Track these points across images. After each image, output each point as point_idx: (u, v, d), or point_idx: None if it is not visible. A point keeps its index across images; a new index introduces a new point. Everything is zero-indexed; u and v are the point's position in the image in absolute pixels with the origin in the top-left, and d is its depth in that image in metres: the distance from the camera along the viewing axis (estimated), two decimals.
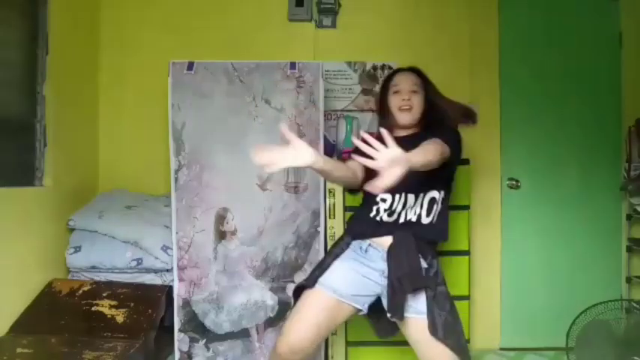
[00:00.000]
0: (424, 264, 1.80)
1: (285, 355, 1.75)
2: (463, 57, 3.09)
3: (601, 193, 3.08)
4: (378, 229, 1.84)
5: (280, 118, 2.45)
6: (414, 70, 2.00)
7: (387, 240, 1.81)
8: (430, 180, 1.80)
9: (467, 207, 2.52)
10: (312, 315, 1.77)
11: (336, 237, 2.39)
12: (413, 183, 1.69)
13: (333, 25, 3.08)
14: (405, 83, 1.94)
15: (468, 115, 1.98)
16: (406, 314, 1.76)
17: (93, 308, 2.32)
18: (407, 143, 1.59)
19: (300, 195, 2.48)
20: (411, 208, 1.84)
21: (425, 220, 1.85)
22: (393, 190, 1.67)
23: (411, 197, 1.83)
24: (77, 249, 2.52)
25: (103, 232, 2.52)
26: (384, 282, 1.79)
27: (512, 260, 3.07)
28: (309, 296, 1.80)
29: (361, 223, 1.89)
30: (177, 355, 2.46)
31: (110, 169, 3.02)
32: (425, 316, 1.72)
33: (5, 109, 2.36)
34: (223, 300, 2.45)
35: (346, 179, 1.81)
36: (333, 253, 1.90)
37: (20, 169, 2.44)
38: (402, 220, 1.83)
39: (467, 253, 2.52)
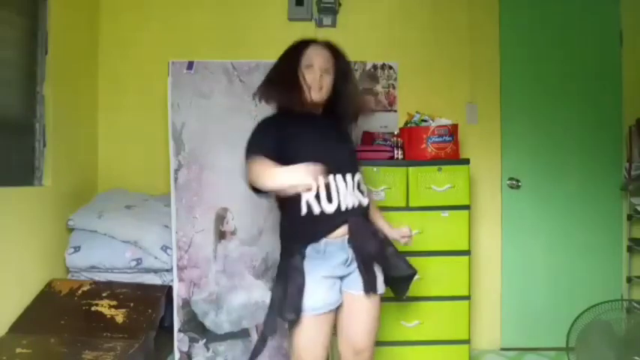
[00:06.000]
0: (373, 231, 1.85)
1: None
2: (463, 57, 3.09)
3: (602, 192, 3.07)
4: (329, 223, 1.74)
5: None
6: (329, 46, 1.90)
7: (341, 231, 1.75)
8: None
9: (467, 207, 2.51)
10: (321, 340, 1.78)
11: None
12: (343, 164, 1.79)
13: (334, 25, 3.07)
14: (319, 60, 1.85)
15: (364, 110, 2.03)
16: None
17: (92, 308, 2.32)
18: (324, 123, 1.87)
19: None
20: (351, 193, 1.77)
21: (365, 202, 1.82)
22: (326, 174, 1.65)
23: (346, 179, 1.79)
24: (77, 249, 2.51)
25: (102, 232, 2.52)
26: (346, 270, 1.78)
27: (512, 260, 3.07)
28: (307, 328, 1.74)
29: (309, 225, 1.74)
30: (177, 355, 2.46)
31: (110, 169, 3.02)
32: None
33: (5, 109, 2.35)
34: (223, 300, 2.44)
35: None
36: (293, 276, 1.73)
37: (20, 169, 2.43)
38: (343, 207, 1.74)
39: (467, 253, 2.51)
